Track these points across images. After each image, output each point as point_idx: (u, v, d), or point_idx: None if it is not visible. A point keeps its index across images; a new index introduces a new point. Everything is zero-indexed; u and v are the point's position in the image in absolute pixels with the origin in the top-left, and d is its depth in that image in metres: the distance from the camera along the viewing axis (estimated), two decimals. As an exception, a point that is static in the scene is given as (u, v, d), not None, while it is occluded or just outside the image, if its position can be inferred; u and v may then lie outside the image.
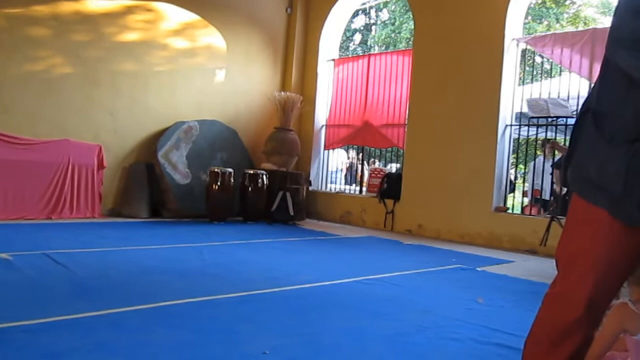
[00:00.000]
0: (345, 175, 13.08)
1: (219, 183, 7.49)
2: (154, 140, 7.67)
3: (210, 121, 8.26)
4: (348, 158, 13.29)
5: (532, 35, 7.63)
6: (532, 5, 13.79)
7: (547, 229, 5.93)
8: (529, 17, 15.46)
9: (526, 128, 7.60)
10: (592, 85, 1.61)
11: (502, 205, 7.11)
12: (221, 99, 8.62)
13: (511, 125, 7.17)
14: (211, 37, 8.46)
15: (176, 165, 7.68)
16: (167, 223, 7.12)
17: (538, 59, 8.42)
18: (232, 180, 7.66)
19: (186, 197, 7.65)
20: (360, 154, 10.02)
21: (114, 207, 7.49)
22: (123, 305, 3.09)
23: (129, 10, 7.55)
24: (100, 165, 7.19)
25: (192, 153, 7.91)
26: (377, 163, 11.43)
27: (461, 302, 3.80)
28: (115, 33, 7.43)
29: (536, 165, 8.53)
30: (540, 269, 5.36)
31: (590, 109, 1.56)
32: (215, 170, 7.55)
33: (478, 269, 5.19)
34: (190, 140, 7.93)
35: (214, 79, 8.57)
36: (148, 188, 7.50)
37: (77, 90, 7.14)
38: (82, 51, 7.15)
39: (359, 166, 10.25)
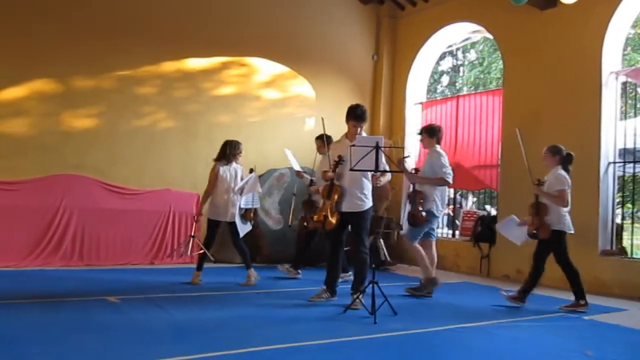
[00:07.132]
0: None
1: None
2: (248, 188, 7.94)
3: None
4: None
5: (633, 67, 7.22)
6: (630, 36, 13.11)
7: None
8: (629, 48, 14.64)
9: (632, 165, 7.08)
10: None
11: (609, 248, 6.62)
12: (311, 145, 8.79)
13: (614, 162, 6.74)
14: (301, 86, 8.78)
15: (269, 211, 7.90)
16: (261, 268, 7.26)
17: (642, 92, 7.93)
18: (323, 226, 7.71)
19: (278, 242, 7.81)
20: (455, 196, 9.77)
21: (211, 253, 7.76)
22: (220, 349, 3.17)
23: (225, 65, 8.05)
24: (199, 213, 7.52)
25: (284, 199, 8.10)
26: (470, 200, 10.98)
27: (568, 354, 3.54)
28: (212, 88, 7.93)
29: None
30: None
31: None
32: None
33: (585, 317, 4.83)
34: (282, 187, 8.15)
35: (303, 126, 8.83)
36: (242, 234, 7.72)
37: (178, 142, 7.63)
38: (183, 106, 7.67)
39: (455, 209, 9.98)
